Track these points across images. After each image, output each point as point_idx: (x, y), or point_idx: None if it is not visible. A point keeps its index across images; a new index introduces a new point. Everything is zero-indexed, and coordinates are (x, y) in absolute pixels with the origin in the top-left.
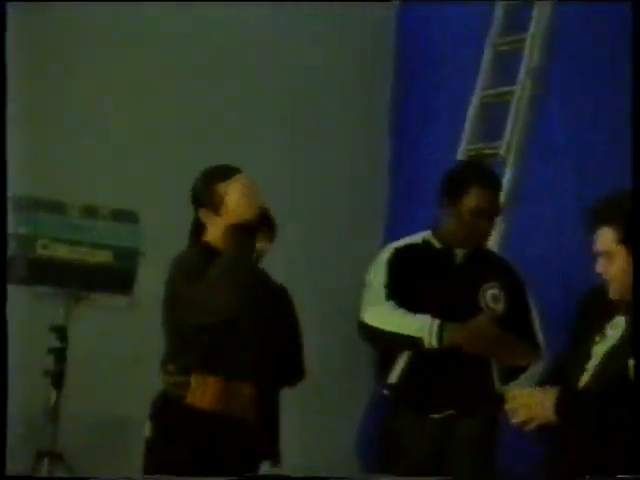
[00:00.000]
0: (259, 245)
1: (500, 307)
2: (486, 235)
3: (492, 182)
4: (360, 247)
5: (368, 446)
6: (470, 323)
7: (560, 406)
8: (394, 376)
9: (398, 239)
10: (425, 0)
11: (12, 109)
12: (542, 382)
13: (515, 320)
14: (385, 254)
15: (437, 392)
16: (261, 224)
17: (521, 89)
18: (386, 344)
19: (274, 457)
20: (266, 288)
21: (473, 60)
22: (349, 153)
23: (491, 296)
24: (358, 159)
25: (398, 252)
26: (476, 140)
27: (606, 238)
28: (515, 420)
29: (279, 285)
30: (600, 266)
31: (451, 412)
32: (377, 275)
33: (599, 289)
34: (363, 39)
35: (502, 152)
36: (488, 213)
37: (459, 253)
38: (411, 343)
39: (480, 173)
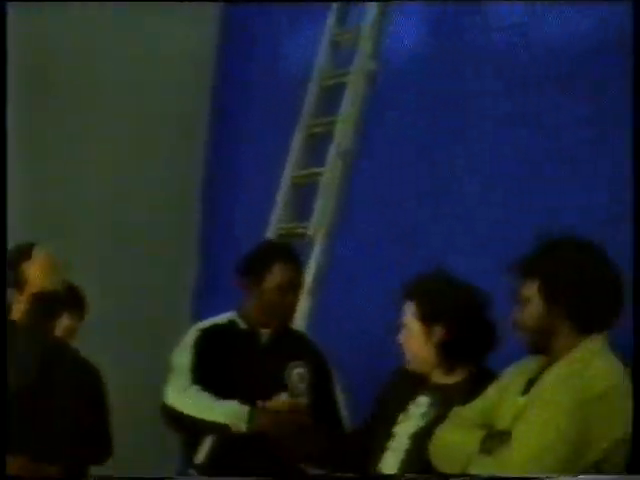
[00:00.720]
0: (68, 323)
1: (305, 387)
2: (292, 312)
3: (293, 258)
4: (171, 326)
5: None
6: (276, 409)
7: None
8: (200, 457)
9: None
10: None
11: None
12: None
13: (320, 400)
14: (190, 336)
15: (243, 471)
16: (68, 301)
17: (331, 170)
18: (192, 430)
19: None
20: (73, 365)
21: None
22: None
23: (297, 375)
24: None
25: (203, 334)
26: (287, 219)
27: (409, 312)
28: None
29: (89, 363)
30: (400, 337)
31: None
32: (182, 358)
33: (404, 368)
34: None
35: (310, 232)
36: (292, 289)
37: (265, 333)
38: (218, 429)
39: (281, 250)
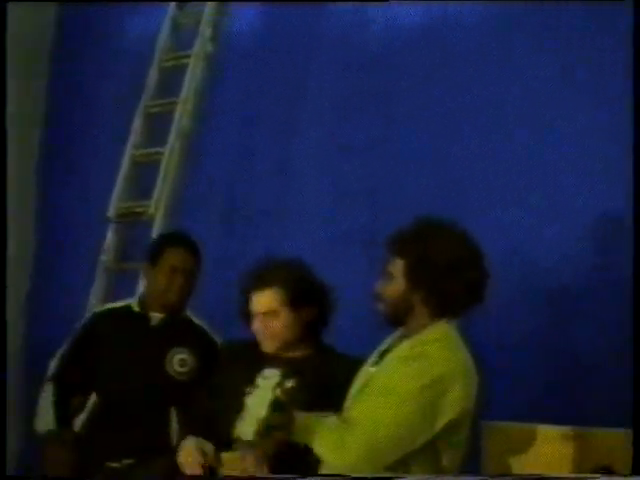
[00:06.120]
0: None
1: (186, 371)
2: (181, 295)
3: (185, 244)
4: None
5: None
6: None
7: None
8: (77, 426)
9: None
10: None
11: None
12: (192, 431)
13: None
14: (84, 322)
15: (118, 443)
16: None
17: (170, 150)
18: None
19: None
20: None
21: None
22: None
23: (178, 361)
24: None
25: (94, 322)
26: (127, 198)
27: (269, 298)
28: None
29: None
30: (257, 323)
31: (129, 461)
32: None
33: (246, 343)
34: None
35: (151, 210)
36: (182, 273)
37: (155, 317)
38: None
39: (173, 237)
